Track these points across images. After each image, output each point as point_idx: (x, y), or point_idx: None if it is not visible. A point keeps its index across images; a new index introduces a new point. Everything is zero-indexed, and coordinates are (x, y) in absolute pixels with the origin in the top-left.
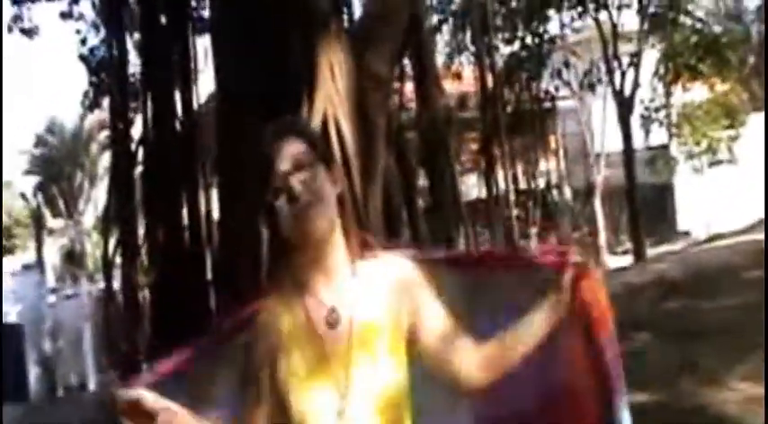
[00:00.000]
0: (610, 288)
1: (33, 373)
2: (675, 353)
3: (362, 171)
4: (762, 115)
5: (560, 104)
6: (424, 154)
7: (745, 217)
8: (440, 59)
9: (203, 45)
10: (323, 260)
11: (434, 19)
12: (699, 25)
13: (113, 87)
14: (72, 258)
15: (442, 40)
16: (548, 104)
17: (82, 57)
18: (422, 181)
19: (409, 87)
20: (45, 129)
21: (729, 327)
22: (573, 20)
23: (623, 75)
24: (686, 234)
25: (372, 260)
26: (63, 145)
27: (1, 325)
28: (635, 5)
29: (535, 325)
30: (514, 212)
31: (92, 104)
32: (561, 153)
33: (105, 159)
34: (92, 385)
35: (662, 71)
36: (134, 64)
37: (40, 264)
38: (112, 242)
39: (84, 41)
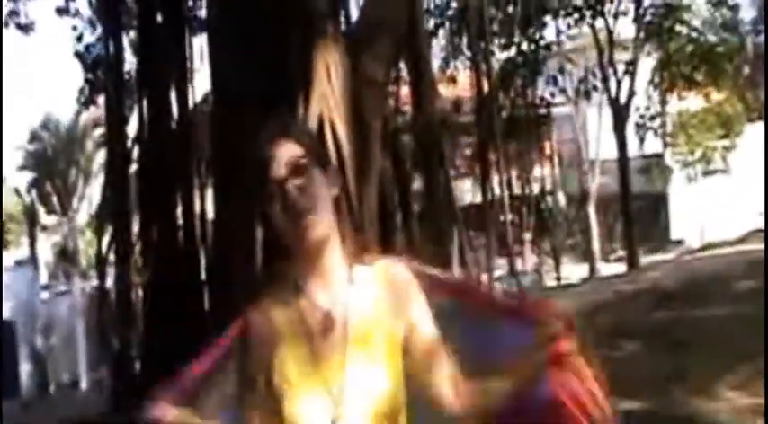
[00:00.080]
0: (602, 296)
1: (25, 369)
2: (666, 361)
3: (357, 173)
4: (756, 125)
5: (555, 111)
6: (419, 158)
7: (739, 227)
8: (435, 63)
9: (199, 44)
10: (319, 263)
11: (431, 23)
12: (694, 34)
13: (109, 85)
14: (65, 255)
15: (437, 45)
16: (543, 110)
17: (78, 54)
18: (416, 185)
19: (405, 91)
20: (40, 126)
21: (721, 336)
22: (569, 27)
23: (619, 82)
24: (679, 242)
25: (369, 265)
26: (58, 142)
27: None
28: (631, 13)
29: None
30: (509, 217)
31: (87, 101)
32: (556, 159)
33: (100, 156)
34: (84, 383)
35: (657, 79)
36: (130, 62)
37: (33, 260)
38: (106, 239)
39: (80, 38)
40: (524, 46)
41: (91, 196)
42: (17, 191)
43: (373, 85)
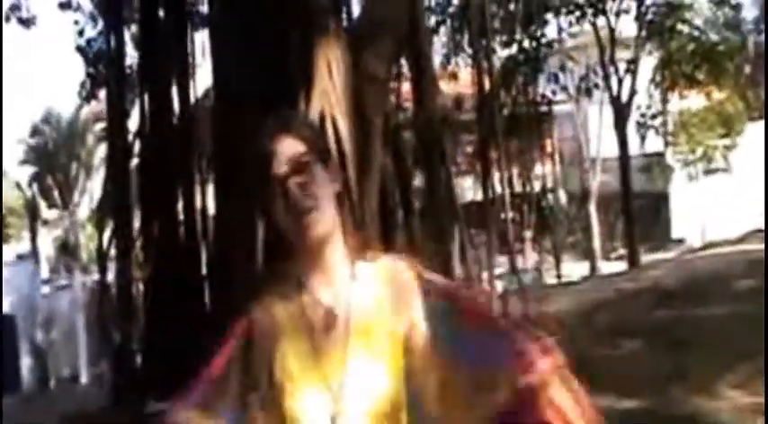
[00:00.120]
0: (603, 294)
1: (26, 364)
2: (667, 360)
3: (359, 170)
4: (757, 124)
5: (557, 108)
6: (421, 155)
7: (740, 226)
8: (437, 60)
9: (201, 40)
10: (321, 260)
11: (432, 20)
12: (696, 33)
13: (110, 79)
14: (66, 249)
15: (439, 41)
16: (544, 108)
17: (79, 49)
18: (417, 182)
19: (406, 87)
20: (41, 120)
21: (722, 335)
22: (570, 24)
23: (620, 81)
24: (680, 241)
25: (372, 262)
26: (59, 136)
27: (1, 316)
28: (633, 12)
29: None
30: (510, 215)
31: (88, 95)
32: (557, 157)
33: (101, 151)
34: (84, 377)
35: (659, 78)
36: (131, 56)
37: (34, 254)
38: (107, 234)
39: (81, 33)
40: (526, 43)
41: (92, 190)
42: (18, 185)
43: (375, 82)
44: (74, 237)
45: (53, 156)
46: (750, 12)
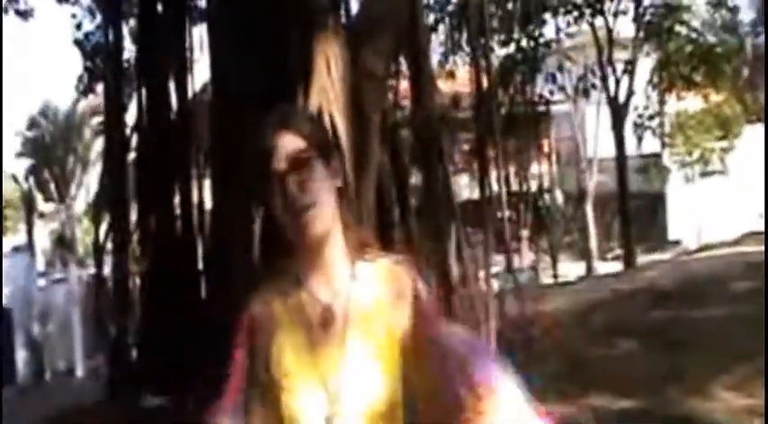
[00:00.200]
0: (599, 294)
1: (21, 356)
2: (663, 361)
3: (356, 167)
4: (755, 127)
5: (554, 108)
6: (418, 153)
7: (736, 228)
8: (434, 58)
9: (199, 34)
10: (320, 258)
11: (431, 18)
12: (694, 35)
13: (108, 73)
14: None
15: (437, 40)
16: (542, 108)
17: (77, 42)
18: (414, 180)
19: (404, 85)
20: (38, 112)
21: (718, 337)
22: (568, 24)
23: (618, 81)
24: (677, 243)
25: (372, 261)
26: (56, 129)
27: (1, 309)
28: (631, 12)
29: None
30: (506, 214)
31: (86, 89)
32: (554, 157)
33: (98, 144)
34: (79, 370)
35: (656, 79)
36: (129, 50)
37: (30, 247)
38: (103, 227)
39: (79, 26)
40: (524, 43)
41: (89, 184)
42: (15, 178)
43: (373, 79)
44: (70, 231)
45: (50, 149)
46: (747, 14)
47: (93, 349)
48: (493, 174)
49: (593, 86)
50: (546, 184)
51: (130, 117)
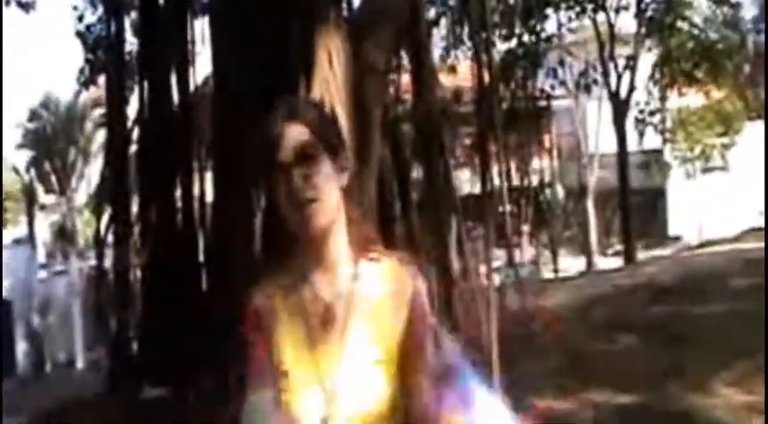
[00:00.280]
0: (599, 290)
1: (21, 348)
2: (663, 356)
3: (357, 161)
4: (756, 124)
5: (555, 104)
6: (419, 147)
7: (737, 225)
8: (436, 53)
9: (201, 27)
10: (323, 253)
11: (432, 12)
12: (695, 31)
13: (109, 65)
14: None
15: (438, 34)
16: (543, 103)
17: (78, 34)
18: (416, 174)
19: (405, 79)
20: (40, 104)
21: (718, 333)
22: (570, 20)
23: (619, 77)
24: (677, 238)
25: (376, 261)
26: (57, 121)
27: (1, 300)
28: (633, 8)
29: None
30: (507, 208)
31: (87, 81)
32: (555, 152)
33: (99, 136)
34: (80, 362)
35: (657, 75)
36: (131, 43)
37: (31, 239)
38: (105, 220)
39: (81, 18)
40: (525, 38)
41: (90, 176)
42: (16, 170)
43: (374, 73)
44: (71, 222)
45: (51, 141)
46: (749, 11)
47: (93, 341)
48: (494, 169)
49: (595, 82)
50: (547, 179)
51: (132, 109)
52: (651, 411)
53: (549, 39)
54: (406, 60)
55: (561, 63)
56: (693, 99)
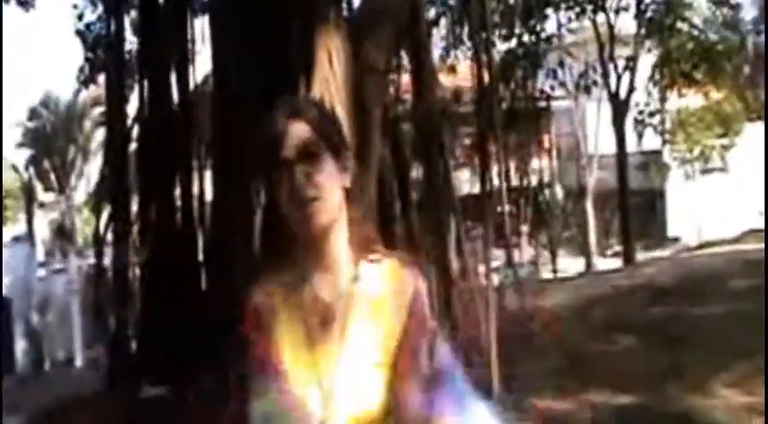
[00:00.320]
0: (598, 290)
1: (20, 346)
2: (661, 357)
3: (357, 161)
4: (755, 125)
5: (555, 104)
6: (419, 147)
7: (736, 226)
8: (436, 53)
9: (201, 26)
10: (323, 253)
11: (432, 12)
12: (695, 32)
13: (109, 64)
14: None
15: (438, 34)
16: (542, 103)
17: (78, 32)
18: (415, 174)
19: (405, 79)
20: (39, 103)
21: (717, 334)
22: (570, 20)
23: (619, 78)
24: (676, 239)
25: (377, 262)
26: (57, 120)
27: (1, 298)
28: (632, 9)
29: None
30: (507, 208)
31: (87, 80)
32: (554, 152)
33: (99, 135)
34: (78, 360)
35: (657, 76)
36: (130, 42)
37: (30, 237)
38: (104, 218)
39: (80, 16)
40: (525, 38)
41: (89, 174)
42: (15, 168)
43: (374, 72)
44: (70, 221)
45: (51, 140)
46: (749, 12)
47: (92, 340)
48: (493, 169)
49: (595, 83)
50: (546, 179)
51: (132, 108)
52: (650, 412)
53: (548, 39)
54: (406, 60)
55: (561, 64)
56: (693, 100)
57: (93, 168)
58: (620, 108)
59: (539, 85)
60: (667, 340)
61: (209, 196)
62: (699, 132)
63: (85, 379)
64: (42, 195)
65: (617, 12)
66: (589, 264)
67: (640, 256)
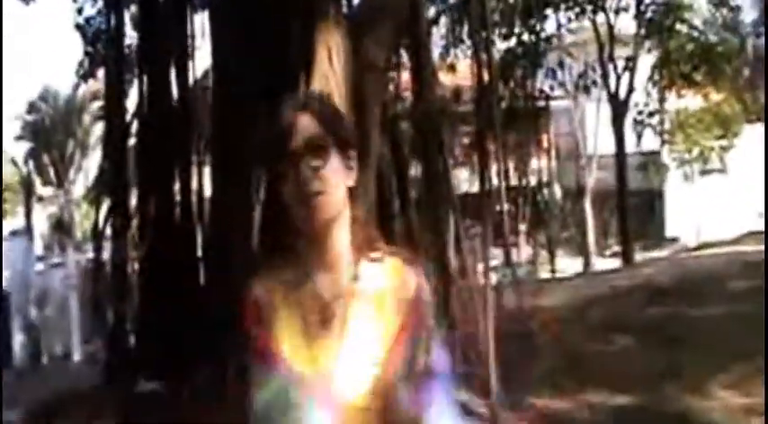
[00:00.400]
0: (597, 290)
1: (18, 340)
2: (659, 358)
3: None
4: (754, 127)
5: (554, 104)
6: (418, 145)
7: (735, 227)
8: (435, 51)
9: (201, 21)
10: (326, 251)
11: (432, 11)
12: (695, 34)
13: (109, 59)
14: (61, 226)
15: (438, 33)
16: (542, 103)
17: (78, 27)
18: (414, 172)
19: (405, 77)
20: (38, 97)
21: (715, 335)
22: (570, 20)
23: (618, 78)
24: (674, 240)
25: (378, 262)
26: (56, 114)
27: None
28: (632, 10)
29: None
30: (505, 208)
31: (86, 74)
32: (553, 152)
33: (98, 129)
34: (77, 355)
35: (656, 77)
36: (130, 36)
37: (28, 231)
38: (103, 212)
39: (80, 11)
40: (525, 37)
41: (88, 168)
42: (14, 161)
43: (374, 70)
44: (68, 215)
45: (49, 133)
46: (749, 14)
47: (90, 334)
48: (492, 168)
49: (594, 83)
50: (545, 179)
51: (131, 103)
52: (647, 413)
53: (548, 39)
54: (405, 58)
55: (560, 64)
56: (692, 101)
57: (91, 162)
58: (619, 108)
59: (538, 85)
60: (665, 341)
61: (208, 191)
62: (698, 133)
63: (83, 373)
64: (41, 189)
65: (617, 12)
66: (587, 264)
67: (639, 256)
